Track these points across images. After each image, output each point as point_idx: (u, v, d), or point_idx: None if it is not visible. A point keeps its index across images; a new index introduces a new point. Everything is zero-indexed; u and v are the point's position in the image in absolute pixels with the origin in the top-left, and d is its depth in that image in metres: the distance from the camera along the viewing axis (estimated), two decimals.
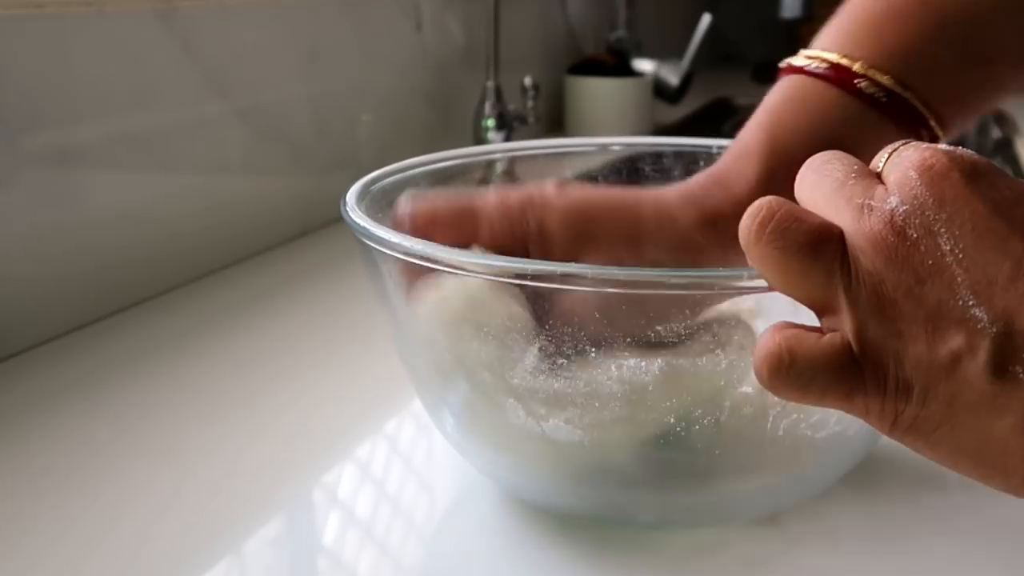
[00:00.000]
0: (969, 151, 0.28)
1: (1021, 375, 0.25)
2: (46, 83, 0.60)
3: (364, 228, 0.39)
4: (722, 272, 0.33)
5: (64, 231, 0.62)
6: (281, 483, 0.46)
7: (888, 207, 0.27)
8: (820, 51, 0.45)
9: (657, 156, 0.57)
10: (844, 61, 0.44)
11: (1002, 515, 0.42)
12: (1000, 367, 0.25)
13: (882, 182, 0.29)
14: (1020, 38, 0.46)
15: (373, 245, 0.39)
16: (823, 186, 0.30)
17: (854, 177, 0.29)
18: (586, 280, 0.34)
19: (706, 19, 1.40)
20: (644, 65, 1.40)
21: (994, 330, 0.25)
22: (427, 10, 1.02)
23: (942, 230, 0.26)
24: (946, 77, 0.45)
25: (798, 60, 0.46)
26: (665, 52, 1.45)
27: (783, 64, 0.46)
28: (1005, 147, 1.31)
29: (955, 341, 0.26)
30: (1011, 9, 0.45)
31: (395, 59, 0.98)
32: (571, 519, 0.42)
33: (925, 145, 0.28)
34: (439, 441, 0.46)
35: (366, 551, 0.42)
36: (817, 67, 0.45)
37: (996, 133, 1.38)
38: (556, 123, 1.36)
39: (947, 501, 0.44)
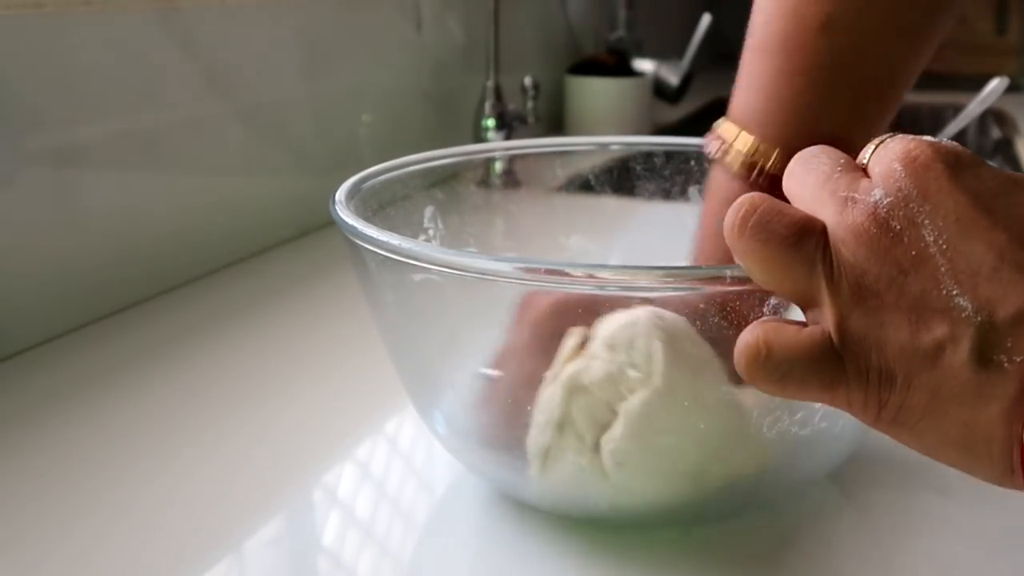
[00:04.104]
0: (953, 143, 0.28)
1: (1005, 364, 0.25)
2: (46, 83, 0.60)
3: (352, 226, 0.39)
4: (706, 270, 0.33)
5: (64, 231, 0.62)
6: (281, 483, 0.46)
7: (872, 200, 0.28)
8: (736, 138, 0.45)
9: (648, 156, 0.57)
10: (757, 156, 0.44)
11: (1002, 514, 0.42)
12: (984, 356, 0.26)
13: (867, 176, 0.29)
14: (912, 60, 0.45)
15: (361, 243, 0.38)
16: (809, 180, 0.30)
17: (839, 171, 0.29)
18: (573, 277, 0.34)
19: (706, 19, 1.40)
20: (644, 65, 1.40)
21: (978, 319, 0.26)
22: (427, 10, 1.02)
23: (926, 221, 0.27)
24: (861, 126, 0.44)
25: (719, 148, 0.46)
26: (665, 52, 1.45)
27: (709, 150, 0.46)
28: (1005, 147, 1.31)
29: (939, 330, 0.26)
30: (901, 32, 0.44)
31: (395, 59, 0.98)
32: (565, 518, 0.42)
33: (910, 137, 0.29)
34: (438, 441, 0.46)
35: (366, 551, 0.42)
36: (735, 166, 0.45)
37: (996, 133, 1.38)
38: (556, 123, 1.36)
39: (947, 500, 0.44)
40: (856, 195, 0.28)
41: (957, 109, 1.03)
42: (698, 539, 0.41)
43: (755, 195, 0.29)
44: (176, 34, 0.70)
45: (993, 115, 1.37)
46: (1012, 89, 1.06)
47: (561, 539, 0.41)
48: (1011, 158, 1.24)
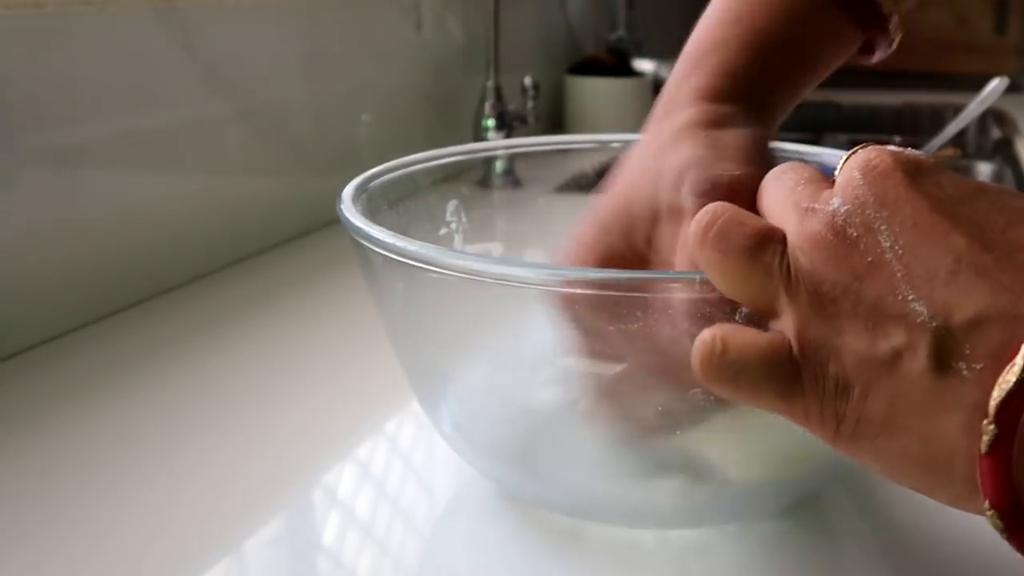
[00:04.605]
0: (916, 152, 0.28)
1: (964, 371, 0.25)
2: (46, 83, 0.60)
3: (358, 227, 0.39)
4: (675, 274, 0.33)
5: (64, 231, 0.62)
6: (281, 483, 0.46)
7: (830, 208, 0.28)
8: None
9: None
10: None
11: None
12: (942, 363, 0.25)
13: (832, 187, 0.29)
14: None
15: (367, 244, 0.38)
16: (778, 194, 0.30)
17: (803, 183, 0.30)
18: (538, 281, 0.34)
19: None
20: (644, 65, 1.40)
21: (934, 324, 0.25)
22: (427, 10, 1.02)
23: (882, 227, 0.26)
24: None
25: None
26: (665, 52, 1.45)
27: None
28: (1005, 147, 1.31)
29: (895, 337, 0.26)
30: None
31: (395, 59, 0.98)
32: (569, 518, 0.42)
33: (873, 147, 0.29)
34: (439, 441, 0.46)
35: (366, 551, 0.42)
36: None
37: (996, 133, 1.38)
38: (556, 123, 1.36)
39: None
40: (816, 205, 0.28)
41: (957, 109, 1.03)
42: (706, 542, 0.41)
43: (717, 205, 0.29)
44: (176, 34, 0.70)
45: (993, 115, 1.37)
46: (1012, 89, 1.06)
47: (565, 540, 0.41)
48: (1011, 158, 1.24)
